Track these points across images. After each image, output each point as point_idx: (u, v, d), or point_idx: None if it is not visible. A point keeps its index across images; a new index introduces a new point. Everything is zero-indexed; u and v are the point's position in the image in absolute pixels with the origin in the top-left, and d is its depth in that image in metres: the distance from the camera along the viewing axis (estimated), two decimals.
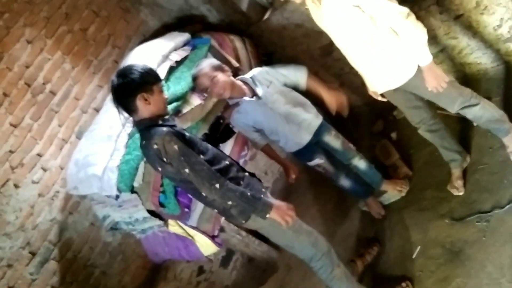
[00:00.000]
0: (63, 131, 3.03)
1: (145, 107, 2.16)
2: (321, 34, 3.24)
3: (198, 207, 2.77)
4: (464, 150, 2.78)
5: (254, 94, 2.81)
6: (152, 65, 2.79)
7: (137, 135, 2.54)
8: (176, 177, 2.20)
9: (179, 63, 2.91)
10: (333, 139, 2.96)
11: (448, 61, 3.18)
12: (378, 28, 2.25)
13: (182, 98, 2.73)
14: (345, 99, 2.85)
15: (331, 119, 3.00)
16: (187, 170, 2.08)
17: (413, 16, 2.14)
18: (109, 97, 2.97)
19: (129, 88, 2.12)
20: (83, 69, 3.17)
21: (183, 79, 2.80)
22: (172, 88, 2.72)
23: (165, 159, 2.09)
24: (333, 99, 2.79)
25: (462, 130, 2.97)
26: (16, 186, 2.77)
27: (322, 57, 3.59)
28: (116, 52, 3.37)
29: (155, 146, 2.07)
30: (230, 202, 2.13)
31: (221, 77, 2.66)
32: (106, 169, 2.54)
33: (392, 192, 3.12)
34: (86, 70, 3.19)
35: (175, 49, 3.01)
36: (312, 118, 2.87)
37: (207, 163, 2.14)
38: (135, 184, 2.56)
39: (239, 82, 2.79)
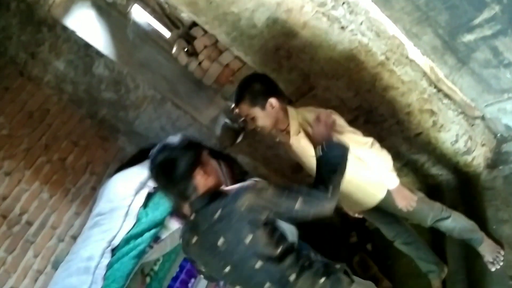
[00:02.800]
0: (39, 261, 2.84)
1: (205, 182, 1.74)
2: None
3: None
4: (440, 260, 2.73)
5: None
6: (130, 192, 2.75)
7: (116, 265, 2.41)
8: (266, 251, 1.69)
9: (157, 188, 2.84)
10: None
11: (412, 173, 3.25)
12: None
13: (161, 224, 2.65)
14: None
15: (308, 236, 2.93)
16: (299, 201, 1.67)
17: (377, 145, 2.17)
18: (87, 224, 2.86)
19: (181, 171, 1.69)
20: (61, 197, 3.08)
21: (161, 204, 2.73)
22: (151, 214, 2.65)
23: (259, 217, 1.66)
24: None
25: (436, 239, 2.94)
26: None
27: (293, 174, 3.62)
28: (94, 179, 3.32)
29: (243, 207, 1.64)
30: None
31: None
32: None
33: None
34: (64, 198, 3.09)
35: None
36: None
37: None
38: None
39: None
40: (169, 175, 1.70)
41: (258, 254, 1.67)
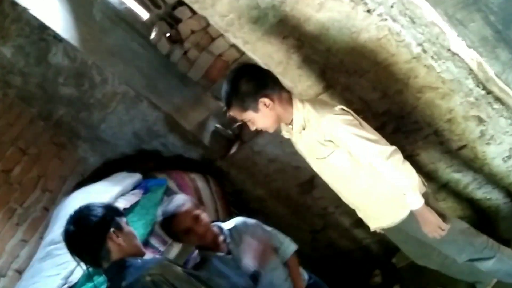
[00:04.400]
0: None
1: (118, 247, 2.04)
2: (298, 169, 3.36)
3: None
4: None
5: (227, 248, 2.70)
6: None
7: None
8: None
9: (127, 210, 2.84)
10: None
11: (452, 197, 3.24)
12: (359, 163, 2.29)
13: None
14: None
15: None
16: None
17: (397, 157, 2.18)
18: (37, 256, 2.83)
19: (94, 230, 2.02)
20: (4, 220, 3.03)
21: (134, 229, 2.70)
22: None
23: None
24: None
25: None
26: None
27: (300, 196, 3.63)
28: (47, 197, 3.29)
29: (148, 278, 1.88)
30: None
31: (205, 217, 2.58)
32: None
33: None
34: (7, 221, 3.04)
35: (123, 194, 2.98)
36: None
37: None
38: None
39: (215, 230, 2.70)
40: (79, 230, 2.04)
41: None
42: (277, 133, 3.20)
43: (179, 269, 2.01)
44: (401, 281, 3.54)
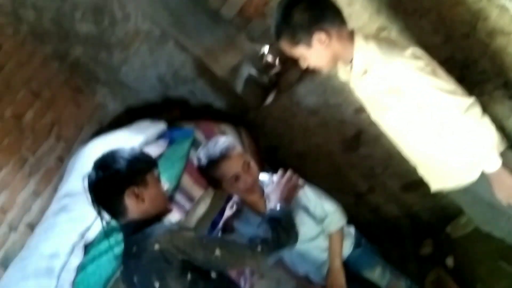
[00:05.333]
0: None
1: (137, 206, 2.04)
2: (343, 123, 3.31)
3: None
4: None
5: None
6: None
7: (91, 267, 2.43)
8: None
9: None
10: (376, 279, 2.82)
11: None
12: (429, 116, 2.23)
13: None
14: None
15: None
16: (217, 252, 1.98)
17: (475, 110, 2.12)
18: (50, 210, 2.87)
19: (114, 183, 2.02)
20: (15, 170, 3.07)
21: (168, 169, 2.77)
22: None
23: (172, 261, 1.93)
24: (334, 282, 2.69)
25: None
26: None
27: (344, 154, 3.60)
28: (62, 146, 3.33)
29: (156, 247, 1.91)
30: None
31: (254, 166, 2.54)
32: None
33: None
34: (18, 171, 3.09)
35: (146, 144, 2.98)
36: None
37: None
38: None
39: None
40: (100, 179, 2.03)
41: None
42: (321, 81, 3.16)
43: (190, 234, 2.02)
44: (455, 252, 3.51)
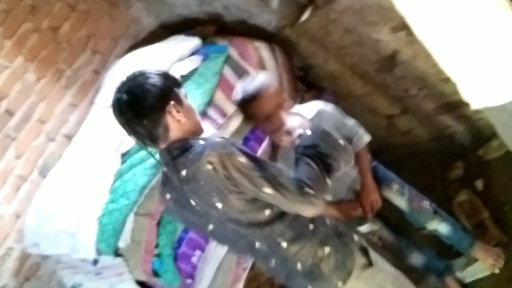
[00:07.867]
0: (22, 165, 2.97)
1: (177, 123, 1.95)
2: (379, 42, 3.27)
3: (205, 276, 2.66)
4: None
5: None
6: None
7: (127, 176, 2.49)
8: (243, 217, 1.94)
9: (185, 78, 2.88)
10: (395, 197, 2.87)
11: None
12: (474, 15, 2.12)
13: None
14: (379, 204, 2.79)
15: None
16: (269, 190, 1.82)
17: None
18: (88, 119, 2.94)
19: (152, 101, 1.91)
20: (52, 82, 3.15)
21: (192, 98, 2.75)
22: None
23: (229, 178, 1.83)
24: (369, 197, 2.74)
25: None
26: None
27: (379, 74, 3.57)
28: (97, 59, 3.38)
29: (209, 167, 1.80)
30: None
31: (288, 106, 2.59)
32: (81, 223, 2.46)
33: (483, 264, 2.97)
34: (55, 83, 3.17)
35: (180, 59, 3.00)
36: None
37: None
38: (121, 245, 2.46)
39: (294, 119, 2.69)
40: (135, 99, 1.92)
41: (235, 221, 1.96)
42: None
43: (243, 160, 1.83)
44: (486, 175, 3.51)
